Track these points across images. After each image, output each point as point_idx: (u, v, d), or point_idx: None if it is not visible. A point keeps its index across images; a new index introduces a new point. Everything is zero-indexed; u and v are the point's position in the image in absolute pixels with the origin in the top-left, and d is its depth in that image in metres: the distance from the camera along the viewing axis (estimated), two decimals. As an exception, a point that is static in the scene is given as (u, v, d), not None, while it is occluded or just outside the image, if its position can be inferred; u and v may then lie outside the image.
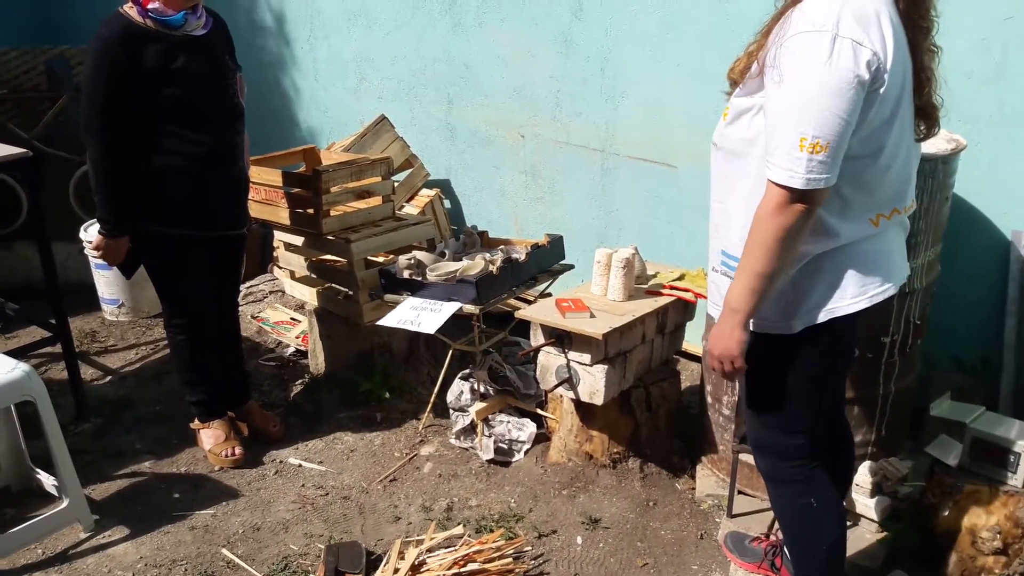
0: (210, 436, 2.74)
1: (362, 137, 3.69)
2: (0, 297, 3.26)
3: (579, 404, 2.51)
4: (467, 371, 2.81)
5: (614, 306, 2.46)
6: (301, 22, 4.17)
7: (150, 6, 2.35)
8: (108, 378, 3.25)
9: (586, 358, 2.35)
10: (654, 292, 2.58)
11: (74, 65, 4.37)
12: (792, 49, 1.40)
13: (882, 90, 1.41)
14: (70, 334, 2.93)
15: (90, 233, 3.62)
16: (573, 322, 2.34)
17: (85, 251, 3.62)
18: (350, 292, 3.07)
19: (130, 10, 2.38)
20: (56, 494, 2.47)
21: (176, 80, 2.39)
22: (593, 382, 2.36)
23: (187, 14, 2.41)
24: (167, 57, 2.38)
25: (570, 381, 2.39)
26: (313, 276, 3.24)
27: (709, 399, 2.51)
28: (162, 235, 2.53)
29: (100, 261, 3.58)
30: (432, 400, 2.88)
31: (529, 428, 2.71)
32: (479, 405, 2.70)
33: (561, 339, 2.40)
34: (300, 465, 2.69)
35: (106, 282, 3.67)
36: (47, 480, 2.50)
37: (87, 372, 3.24)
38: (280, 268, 3.66)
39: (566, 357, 2.39)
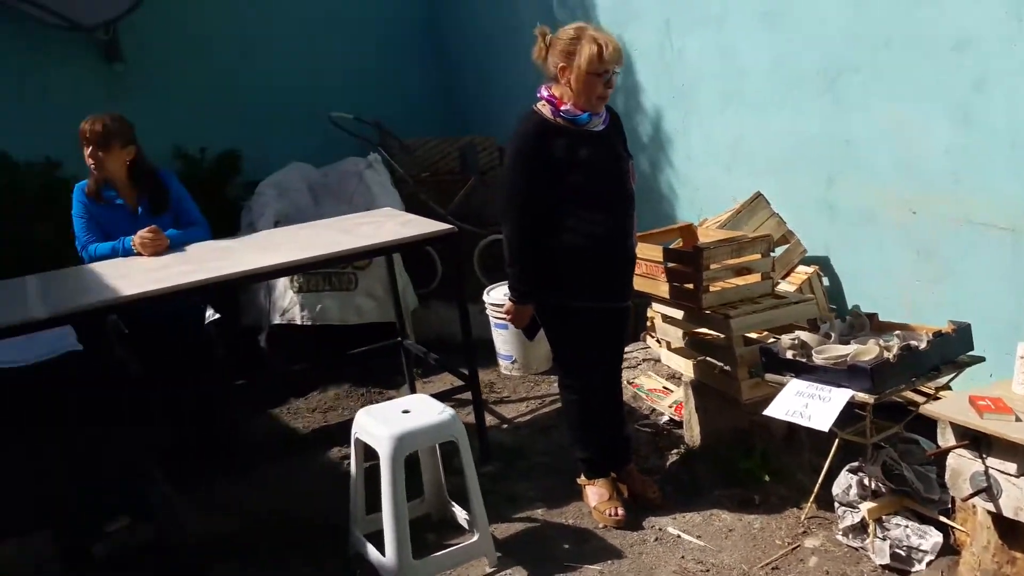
0: (595, 493, 2.94)
1: (737, 214, 3.77)
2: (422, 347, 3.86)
3: (999, 519, 2.26)
4: (856, 464, 2.68)
5: (1043, 409, 2.21)
6: (675, 106, 4.39)
7: (563, 107, 2.68)
8: (504, 426, 3.66)
9: (1011, 467, 2.13)
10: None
11: (480, 152, 5.04)
12: None
13: None
14: (479, 384, 3.36)
15: (492, 296, 4.14)
16: (994, 424, 2.14)
17: (487, 312, 4.15)
18: (727, 367, 3.12)
19: (543, 108, 2.73)
20: (467, 528, 2.82)
21: (580, 169, 2.69)
22: (1020, 496, 2.12)
23: (591, 114, 2.71)
24: (572, 149, 2.69)
25: (989, 491, 2.18)
26: (689, 349, 3.35)
27: None
28: (562, 306, 2.82)
29: (499, 321, 4.10)
30: (816, 490, 2.79)
31: (933, 537, 2.47)
32: (871, 504, 2.56)
33: (976, 442, 2.21)
34: (679, 536, 2.77)
35: (502, 340, 4.16)
36: (460, 513, 2.87)
37: (486, 419, 3.68)
38: (653, 337, 3.84)
39: (984, 464, 2.19)
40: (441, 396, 3.39)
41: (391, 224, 3.47)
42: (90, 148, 3.18)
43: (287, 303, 4.10)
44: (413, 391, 3.91)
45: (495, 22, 5.59)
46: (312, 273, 4.00)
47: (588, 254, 2.75)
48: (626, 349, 4.00)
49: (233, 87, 5.30)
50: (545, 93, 2.73)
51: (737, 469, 3.02)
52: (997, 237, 3.02)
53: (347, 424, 3.68)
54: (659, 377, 3.71)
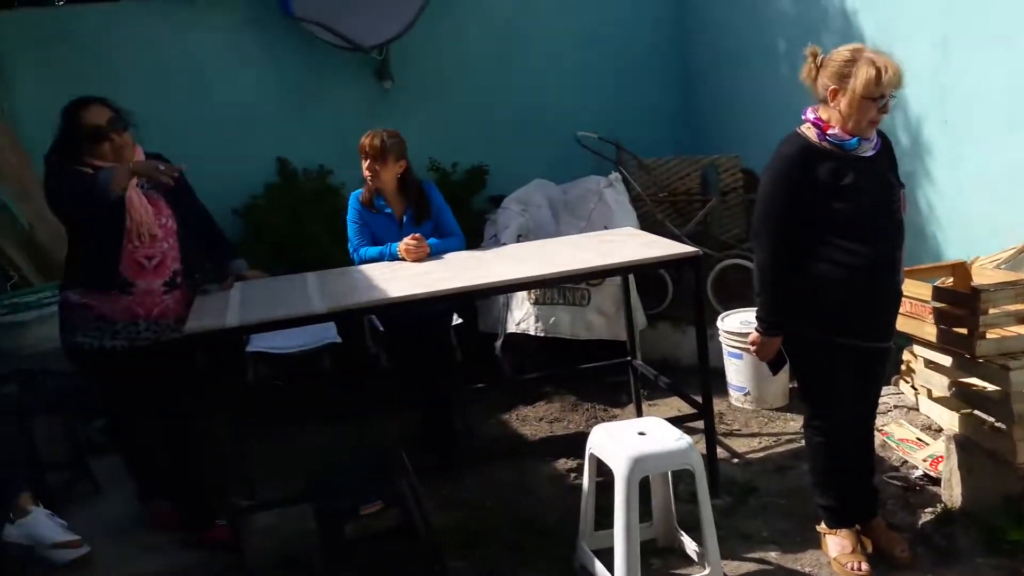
0: (837, 544, 2.75)
1: (1020, 253, 3.38)
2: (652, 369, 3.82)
3: None
4: None
5: None
6: (948, 134, 4.02)
7: (829, 131, 2.55)
8: (734, 460, 3.52)
9: None
10: None
11: (722, 172, 4.93)
12: None
13: None
14: (712, 414, 3.26)
15: (726, 324, 4.01)
16: None
17: (720, 338, 4.03)
18: (1001, 424, 2.80)
19: (807, 131, 2.61)
20: (696, 559, 2.74)
21: (845, 196, 2.54)
22: None
23: (861, 139, 2.55)
24: (838, 174, 2.54)
25: None
26: (955, 399, 3.04)
27: None
28: (814, 340, 2.66)
29: (734, 350, 3.97)
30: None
31: None
32: None
33: None
34: (931, 602, 2.53)
35: (736, 370, 4.02)
36: (689, 544, 2.79)
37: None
38: (908, 383, 3.54)
39: None
40: (671, 421, 3.34)
41: (633, 244, 3.48)
42: (368, 161, 3.46)
43: (523, 313, 4.24)
44: (639, 412, 3.88)
45: (747, 42, 5.45)
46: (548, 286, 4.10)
47: (850, 287, 2.58)
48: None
49: (484, 104, 5.59)
50: (811, 116, 2.61)
51: (1005, 539, 2.69)
52: None
53: (572, 437, 3.79)
54: (913, 427, 3.40)
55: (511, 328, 4.28)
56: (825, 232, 2.58)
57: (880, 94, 2.46)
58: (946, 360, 3.01)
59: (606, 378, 4.18)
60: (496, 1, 5.62)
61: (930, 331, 3.01)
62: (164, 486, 3.24)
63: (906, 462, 3.24)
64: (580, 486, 3.26)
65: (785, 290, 2.64)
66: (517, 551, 2.95)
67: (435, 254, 3.45)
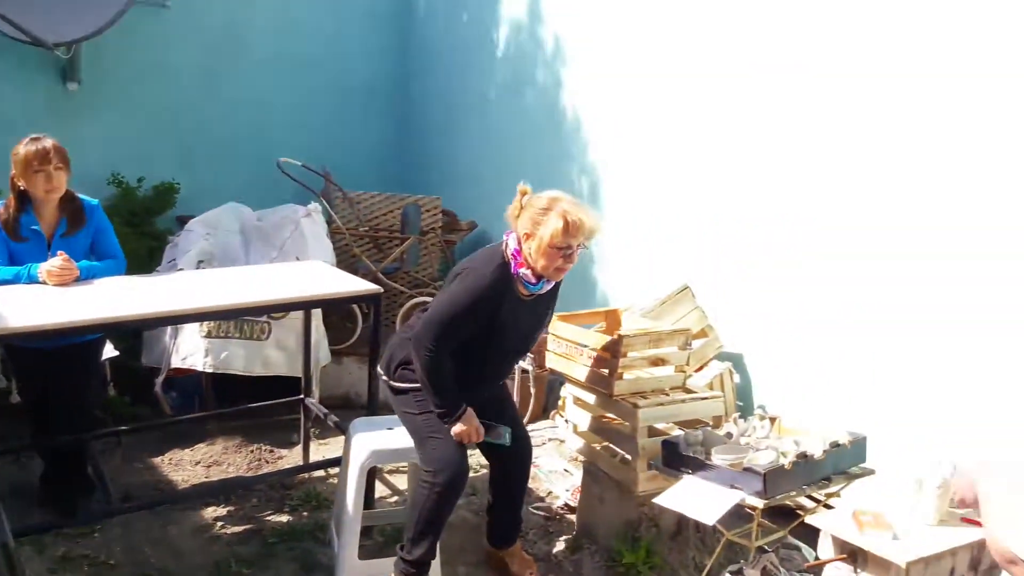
0: None
1: (662, 303, 3.77)
2: (324, 406, 3.72)
3: (869, 636, 2.20)
4: (738, 566, 2.61)
5: (922, 529, 2.18)
6: (627, 190, 4.44)
7: (521, 269, 2.64)
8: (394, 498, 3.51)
9: (883, 585, 2.08)
10: (971, 521, 2.25)
11: (423, 213, 5.02)
12: None
13: None
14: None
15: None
16: (871, 541, 2.10)
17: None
18: (628, 456, 3.05)
19: (508, 257, 2.66)
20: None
21: (505, 328, 2.66)
22: (889, 615, 2.07)
23: (545, 282, 2.68)
24: (511, 307, 2.65)
25: (860, 608, 2.12)
26: (594, 433, 3.28)
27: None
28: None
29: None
30: (698, 589, 2.70)
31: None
32: (749, 607, 2.48)
33: (854, 556, 2.15)
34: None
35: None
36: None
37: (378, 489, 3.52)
38: (562, 416, 3.77)
39: (858, 578, 2.13)
40: (336, 461, 3.25)
41: (314, 279, 3.38)
42: (46, 167, 2.98)
43: (192, 347, 3.92)
44: (307, 452, 3.74)
45: (461, 87, 5.67)
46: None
47: (461, 387, 2.69)
48: (536, 426, 3.93)
49: (183, 118, 5.26)
50: (513, 245, 2.67)
51: (621, 562, 2.91)
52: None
53: (229, 482, 3.53)
54: (562, 459, 3.62)
55: (176, 363, 3.94)
56: (466, 344, 2.64)
57: (566, 244, 2.58)
58: (591, 398, 3.25)
59: (279, 417, 3.99)
60: (212, 13, 5.34)
61: (580, 371, 3.23)
62: None
63: (551, 492, 3.43)
64: (226, 536, 3.11)
65: (450, 375, 2.64)
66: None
67: (85, 278, 3.06)
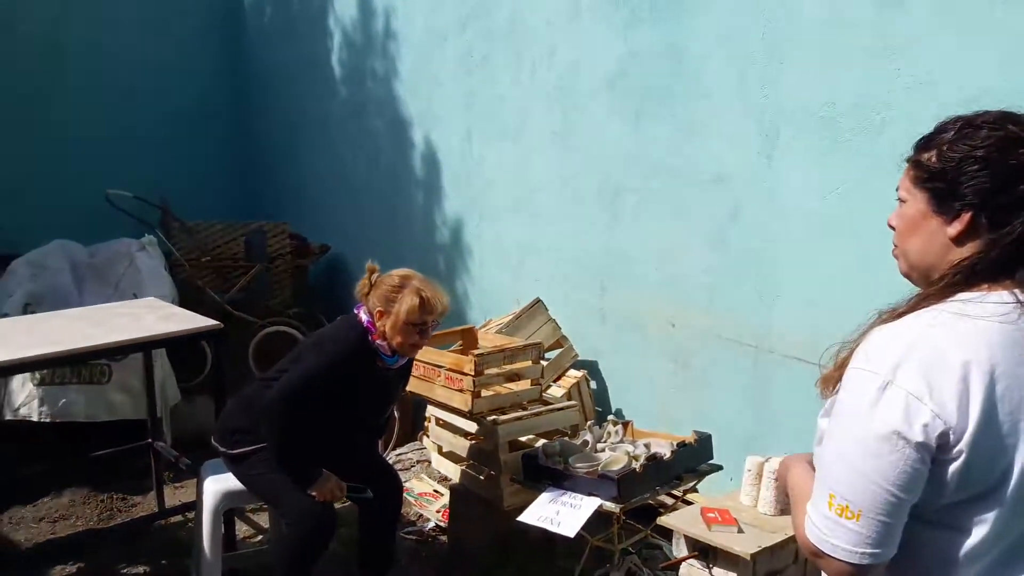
0: None
1: (517, 318, 3.85)
2: (175, 448, 3.55)
3: (723, 626, 2.34)
4: (604, 570, 2.72)
5: (765, 520, 2.34)
6: (472, 211, 4.50)
7: (377, 342, 2.63)
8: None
9: (732, 577, 2.23)
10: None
11: (270, 238, 4.89)
12: (845, 384, 1.17)
13: (958, 462, 1.09)
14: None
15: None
16: (719, 536, 2.23)
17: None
18: (493, 472, 3.10)
19: (366, 324, 2.65)
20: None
21: (358, 400, 2.66)
22: (740, 606, 2.22)
23: (399, 356, 2.69)
24: (363, 378, 2.65)
25: (714, 601, 2.26)
26: (459, 453, 3.31)
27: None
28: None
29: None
30: (567, 596, 2.78)
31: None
32: (616, 610, 2.59)
33: (706, 552, 2.29)
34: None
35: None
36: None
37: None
38: (428, 438, 3.77)
39: (710, 573, 2.27)
40: (193, 504, 3.12)
41: (151, 317, 3.22)
42: None
43: (25, 396, 3.65)
44: (161, 498, 3.56)
45: (302, 111, 5.56)
46: (57, 364, 3.59)
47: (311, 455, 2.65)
48: (402, 449, 3.91)
49: (-2, 153, 4.88)
50: (365, 317, 2.65)
51: (492, 577, 2.96)
52: (742, 353, 3.26)
53: (78, 537, 3.31)
54: (431, 480, 3.63)
55: (7, 416, 3.64)
56: (318, 415, 2.59)
57: (422, 320, 2.60)
58: (452, 418, 3.27)
59: (132, 462, 3.77)
60: (29, 36, 4.98)
61: (440, 392, 3.25)
62: None
63: (422, 515, 3.43)
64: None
65: (298, 442, 2.58)
66: None
67: None
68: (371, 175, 5.11)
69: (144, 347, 3.26)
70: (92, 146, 5.21)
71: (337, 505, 2.65)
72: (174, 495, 3.66)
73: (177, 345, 3.73)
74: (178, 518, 3.48)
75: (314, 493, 2.58)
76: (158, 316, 3.25)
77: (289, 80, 5.65)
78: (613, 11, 3.55)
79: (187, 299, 4.16)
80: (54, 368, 3.60)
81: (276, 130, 5.81)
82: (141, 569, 3.14)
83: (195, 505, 2.99)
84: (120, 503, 3.66)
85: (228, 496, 2.75)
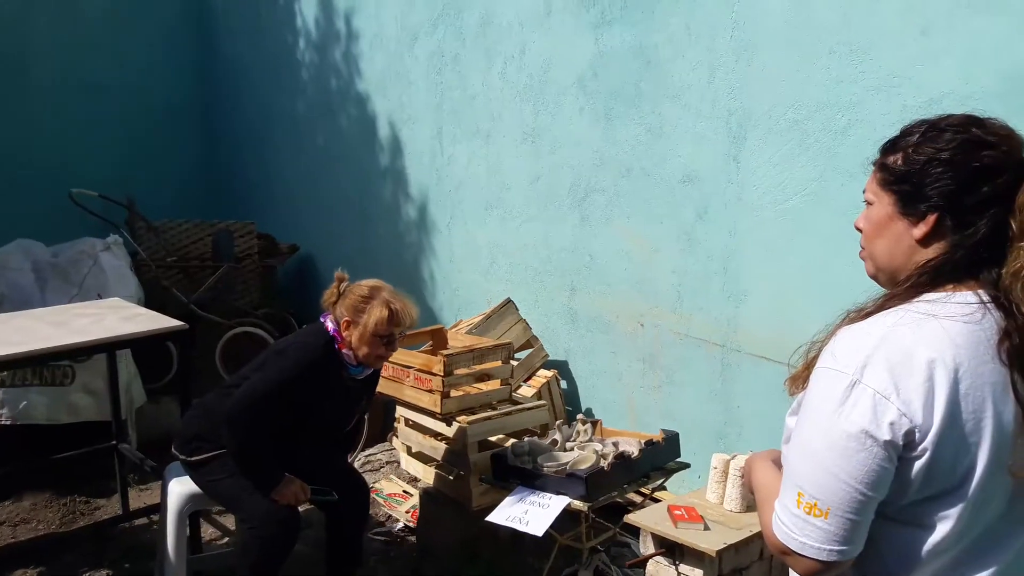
0: None
1: (487, 318, 3.85)
2: (140, 450, 3.50)
3: (690, 623, 2.36)
4: (573, 569, 2.73)
5: (730, 517, 2.36)
6: (443, 210, 4.49)
7: (343, 351, 2.62)
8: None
9: (698, 574, 2.24)
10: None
11: (237, 238, 4.83)
12: (813, 383, 1.19)
13: (923, 459, 1.11)
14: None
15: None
16: (685, 533, 2.25)
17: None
18: (462, 473, 3.09)
19: (332, 333, 2.63)
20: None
21: (322, 405, 2.63)
22: (705, 602, 2.23)
23: (365, 368, 2.68)
24: (327, 387, 2.62)
25: (680, 597, 2.28)
26: (428, 454, 3.30)
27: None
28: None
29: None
30: (536, 595, 2.78)
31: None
32: (584, 608, 2.59)
33: (672, 550, 2.30)
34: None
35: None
36: None
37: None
38: (398, 439, 3.75)
39: (677, 571, 2.28)
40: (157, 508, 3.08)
41: (113, 318, 3.17)
42: None
43: (-17, 398, 3.58)
44: (125, 501, 3.50)
45: (269, 110, 5.51)
46: (19, 364, 3.52)
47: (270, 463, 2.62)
48: (372, 450, 3.89)
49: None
50: (331, 326, 2.64)
51: (462, 577, 2.96)
52: (709, 352, 3.29)
53: (40, 540, 3.26)
54: (400, 481, 3.61)
55: (-34, 417, 3.58)
56: (281, 422, 2.57)
57: (390, 332, 2.58)
58: (421, 418, 3.26)
59: (96, 465, 3.68)
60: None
61: (409, 393, 3.24)
62: None
63: (391, 516, 3.41)
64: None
65: (267, 447, 2.55)
66: None
67: None
68: (340, 174, 5.08)
69: (107, 348, 3.20)
70: (56, 143, 5.12)
71: (301, 508, 2.62)
72: (139, 498, 3.60)
73: (142, 346, 3.68)
74: (143, 521, 3.43)
75: (276, 497, 2.55)
76: (122, 316, 3.20)
77: (258, 78, 5.60)
78: (583, 11, 3.56)
79: (153, 300, 4.10)
80: (15, 370, 3.52)
81: (244, 129, 5.76)
82: (104, 573, 3.10)
83: (160, 508, 2.95)
84: (83, 506, 3.60)
85: (193, 498, 2.71)
